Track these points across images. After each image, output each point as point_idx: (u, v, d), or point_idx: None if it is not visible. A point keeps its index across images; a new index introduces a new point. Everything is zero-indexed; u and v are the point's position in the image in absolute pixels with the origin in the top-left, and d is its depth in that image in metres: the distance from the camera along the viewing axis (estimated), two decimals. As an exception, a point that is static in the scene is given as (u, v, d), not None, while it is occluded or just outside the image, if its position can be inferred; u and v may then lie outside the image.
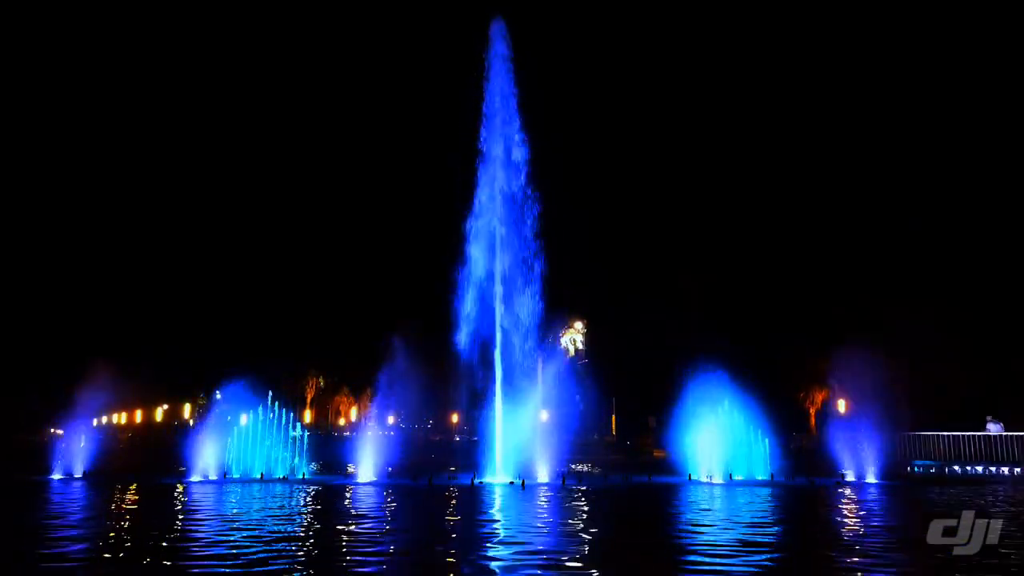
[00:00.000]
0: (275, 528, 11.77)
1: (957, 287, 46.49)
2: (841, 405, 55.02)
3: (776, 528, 12.54)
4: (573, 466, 22.84)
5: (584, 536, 11.46)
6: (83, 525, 12.46)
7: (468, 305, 23.92)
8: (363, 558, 9.18)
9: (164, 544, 10.16)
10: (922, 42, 59.38)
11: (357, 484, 21.12)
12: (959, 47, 57.29)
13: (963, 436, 28.68)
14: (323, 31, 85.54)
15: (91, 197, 74.23)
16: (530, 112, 25.86)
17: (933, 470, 26.82)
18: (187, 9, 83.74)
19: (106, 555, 9.34)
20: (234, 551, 9.39)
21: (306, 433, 23.08)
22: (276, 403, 23.27)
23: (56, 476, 22.12)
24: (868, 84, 64.30)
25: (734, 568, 8.57)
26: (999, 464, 26.35)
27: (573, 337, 66.38)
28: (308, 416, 76.68)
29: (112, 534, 11.17)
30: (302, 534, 11.35)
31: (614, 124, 72.46)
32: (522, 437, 22.53)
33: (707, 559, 9.07)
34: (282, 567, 8.40)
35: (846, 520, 13.79)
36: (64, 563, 8.70)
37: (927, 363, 43.85)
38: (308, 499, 16.65)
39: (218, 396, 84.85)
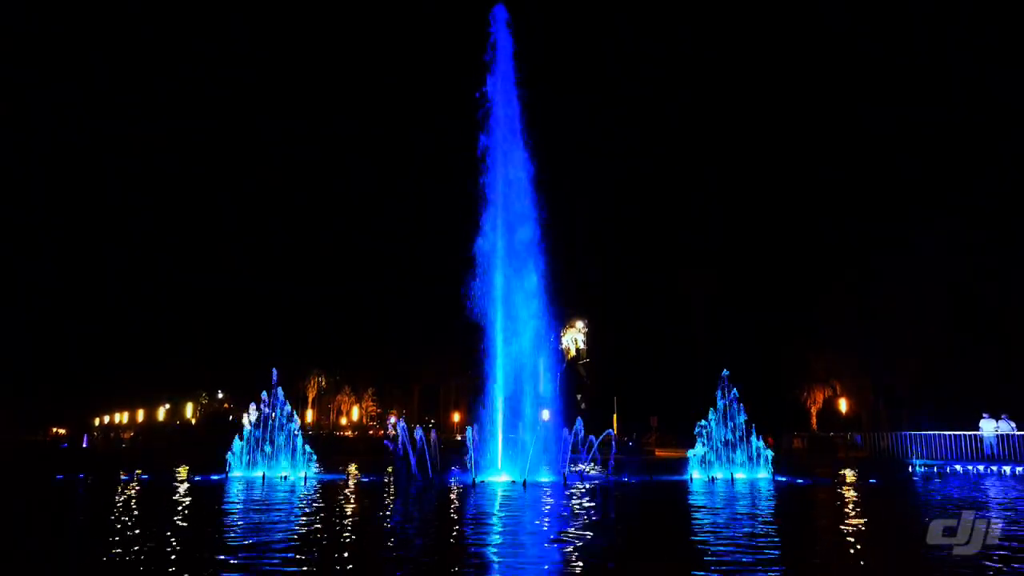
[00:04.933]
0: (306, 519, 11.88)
1: (960, 284, 46.48)
2: (842, 404, 55.03)
3: (777, 528, 12.57)
4: (574, 465, 22.87)
5: (587, 535, 11.51)
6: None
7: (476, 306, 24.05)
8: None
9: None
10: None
11: (361, 481, 21.23)
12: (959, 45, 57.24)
13: (964, 435, 28.65)
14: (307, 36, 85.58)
15: (88, 197, 74.30)
16: (530, 110, 25.87)
17: (935, 469, 26.81)
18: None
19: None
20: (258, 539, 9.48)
21: (299, 433, 23.15)
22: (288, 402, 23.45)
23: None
24: (870, 85, 64.29)
25: (733, 569, 8.63)
26: (1001, 463, 26.34)
27: (574, 336, 66.40)
28: (310, 415, 76.87)
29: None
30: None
31: (613, 122, 72.49)
32: (523, 436, 22.58)
33: (710, 558, 9.13)
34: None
35: (847, 519, 13.83)
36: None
37: (930, 360, 43.90)
38: (333, 494, 16.77)
39: (220, 395, 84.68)
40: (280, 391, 23.20)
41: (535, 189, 25.03)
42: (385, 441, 24.83)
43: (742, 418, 22.49)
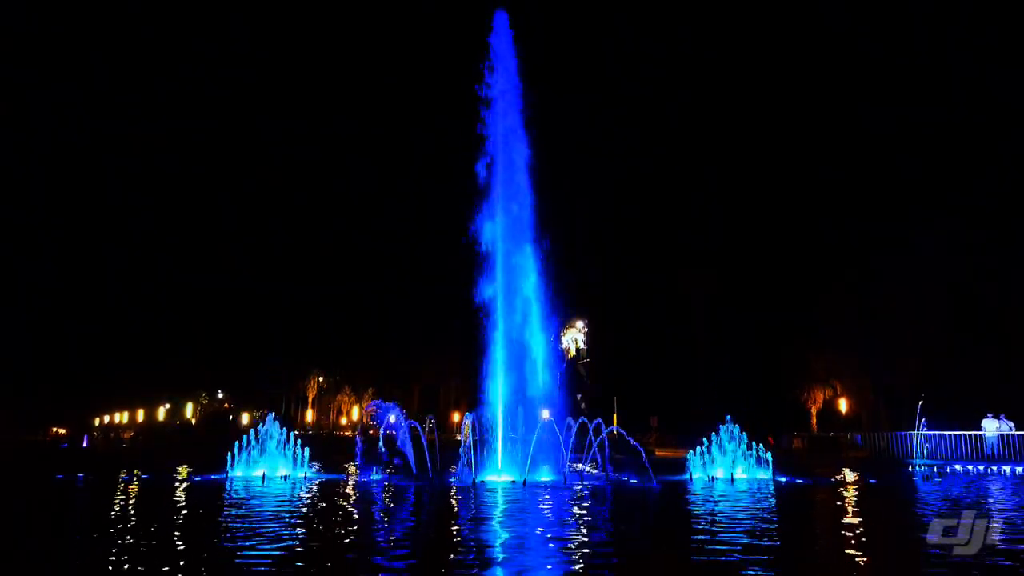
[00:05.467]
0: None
1: (960, 284, 46.46)
2: (842, 404, 54.97)
3: (776, 528, 12.57)
4: (574, 465, 22.84)
5: (588, 535, 11.50)
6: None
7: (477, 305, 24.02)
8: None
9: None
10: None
11: (360, 480, 21.20)
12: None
13: (964, 435, 28.67)
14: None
15: (88, 197, 74.24)
16: (530, 108, 25.59)
17: (935, 469, 26.81)
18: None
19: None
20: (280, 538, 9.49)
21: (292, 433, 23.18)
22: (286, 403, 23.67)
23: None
24: (871, 84, 64.26)
25: (732, 569, 8.62)
26: (1002, 463, 26.35)
27: (574, 336, 66.42)
28: (310, 415, 76.87)
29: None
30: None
31: (613, 122, 72.45)
32: (523, 436, 22.56)
33: (709, 558, 9.13)
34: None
35: (847, 519, 13.83)
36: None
37: (930, 360, 43.90)
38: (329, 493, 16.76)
39: (220, 395, 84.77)
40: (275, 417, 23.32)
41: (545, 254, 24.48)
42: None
43: (742, 417, 22.40)
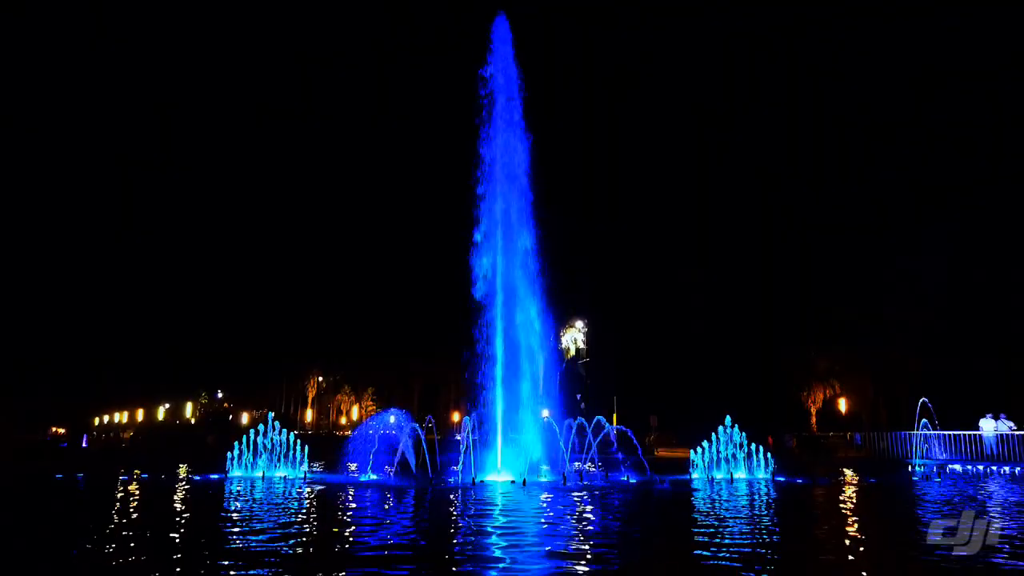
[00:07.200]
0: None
1: (960, 284, 46.49)
2: (842, 404, 54.96)
3: (775, 528, 12.56)
4: (574, 464, 22.82)
5: (587, 535, 11.49)
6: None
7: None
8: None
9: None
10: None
11: (359, 483, 21.16)
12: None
13: (964, 435, 28.65)
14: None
15: (89, 197, 74.32)
16: (529, 109, 25.53)
17: (934, 469, 26.80)
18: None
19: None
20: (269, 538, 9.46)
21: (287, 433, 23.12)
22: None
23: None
24: (870, 85, 64.29)
25: (731, 569, 8.61)
26: (1001, 463, 26.33)
27: (574, 336, 66.36)
28: (310, 415, 76.84)
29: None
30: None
31: (614, 121, 72.48)
32: (523, 436, 22.53)
33: (709, 559, 9.12)
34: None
35: (846, 519, 13.82)
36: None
37: (931, 360, 43.92)
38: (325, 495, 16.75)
39: (220, 395, 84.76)
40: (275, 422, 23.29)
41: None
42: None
43: (742, 417, 22.43)
